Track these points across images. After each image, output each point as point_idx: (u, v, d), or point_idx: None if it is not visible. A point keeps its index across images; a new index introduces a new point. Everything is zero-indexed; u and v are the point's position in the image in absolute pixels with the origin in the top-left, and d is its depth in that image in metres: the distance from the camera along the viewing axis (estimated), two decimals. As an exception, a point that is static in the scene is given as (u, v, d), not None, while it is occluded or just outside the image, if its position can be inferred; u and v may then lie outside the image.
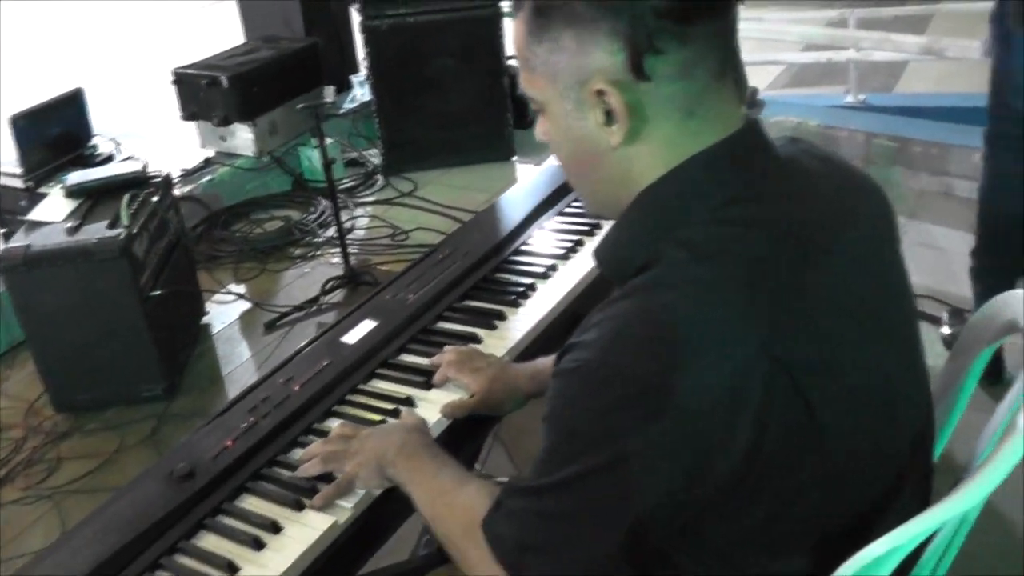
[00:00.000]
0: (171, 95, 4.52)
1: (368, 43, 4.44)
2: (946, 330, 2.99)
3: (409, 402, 1.57)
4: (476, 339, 1.73)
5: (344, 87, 5.26)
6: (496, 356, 1.65)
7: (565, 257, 1.97)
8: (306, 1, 4.99)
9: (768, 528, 1.00)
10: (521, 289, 1.86)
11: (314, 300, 3.39)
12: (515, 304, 1.82)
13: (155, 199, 3.08)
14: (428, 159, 4.54)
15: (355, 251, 3.77)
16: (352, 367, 1.65)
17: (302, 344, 1.74)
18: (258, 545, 1.29)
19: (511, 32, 1.08)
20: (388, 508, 1.39)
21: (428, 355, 1.68)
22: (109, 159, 3.99)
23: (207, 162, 4.52)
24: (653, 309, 0.95)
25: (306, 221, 4.08)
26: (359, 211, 4.23)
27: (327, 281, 3.46)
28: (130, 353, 2.89)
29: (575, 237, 2.03)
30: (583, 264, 1.94)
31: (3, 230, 3.56)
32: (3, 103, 4.17)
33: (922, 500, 1.17)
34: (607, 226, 1.11)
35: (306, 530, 1.32)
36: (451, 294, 1.86)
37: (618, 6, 0.96)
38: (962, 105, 4.59)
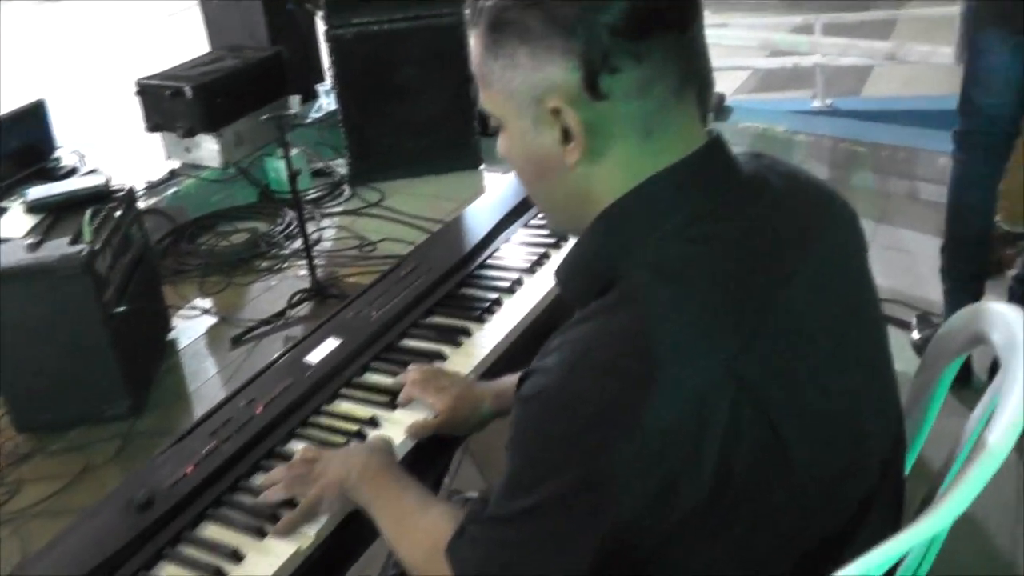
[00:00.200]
0: (135, 106, 4.48)
1: (333, 52, 4.42)
2: (915, 335, 3.00)
3: (374, 423, 1.55)
4: (441, 356, 1.71)
5: (310, 96, 5.23)
6: (461, 374, 1.64)
7: (531, 271, 1.96)
8: (271, 10, 4.96)
9: (741, 550, 0.99)
10: (487, 304, 1.84)
11: (281, 314, 3.35)
12: (480, 320, 1.81)
13: (118, 214, 3.04)
14: (395, 168, 4.52)
15: (322, 263, 3.76)
16: (315, 387, 1.63)
17: (265, 365, 1.71)
18: (219, 575, 1.27)
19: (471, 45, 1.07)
20: (353, 532, 1.37)
21: (393, 374, 1.66)
22: (72, 172, 3.94)
23: (172, 174, 4.49)
24: (614, 332, 0.93)
25: (272, 233, 4.04)
26: (326, 222, 4.20)
27: (294, 294, 3.43)
28: (94, 371, 2.85)
29: (541, 250, 2.02)
30: (549, 278, 1.92)
31: (-38, 247, 3.50)
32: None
33: (895, 516, 1.16)
34: (573, 239, 1.09)
35: (269, 558, 1.29)
36: (416, 310, 1.84)
37: (572, 24, 0.94)
38: (928, 108, 4.62)
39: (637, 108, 0.98)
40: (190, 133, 4.45)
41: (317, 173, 4.62)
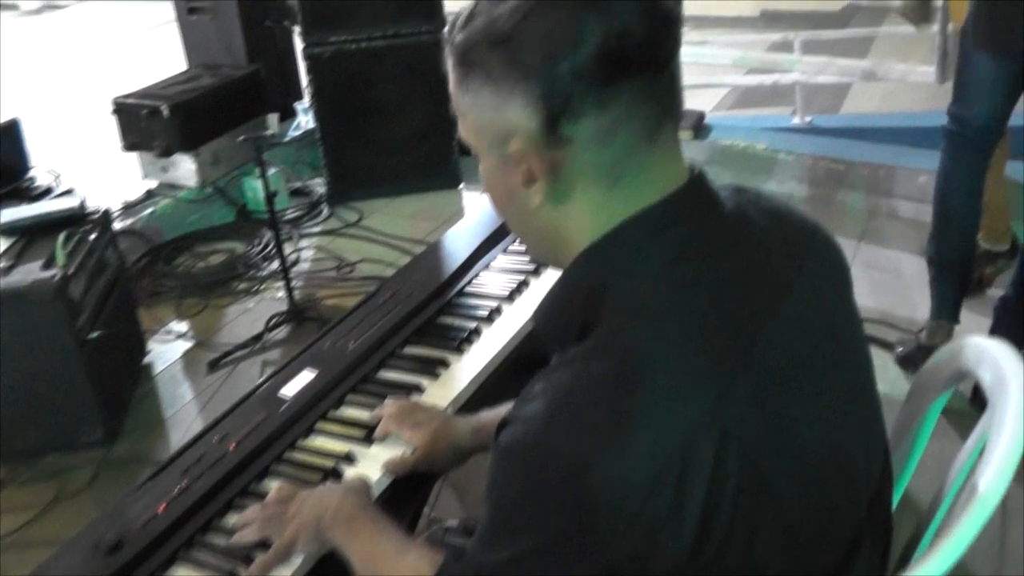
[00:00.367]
0: (112, 124, 4.44)
1: (311, 70, 4.39)
2: (900, 349, 3.00)
3: (349, 458, 1.52)
4: (419, 389, 1.68)
5: (288, 114, 5.20)
6: (439, 408, 1.61)
7: (510, 299, 1.93)
8: (249, 27, 4.92)
9: None
10: (465, 334, 1.81)
11: (258, 337, 3.31)
12: (459, 350, 1.78)
13: (93, 237, 3.00)
14: (374, 187, 4.49)
15: (300, 285, 3.72)
16: (290, 422, 1.60)
17: (239, 399, 1.68)
18: (190, 620, 1.24)
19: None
20: (328, 573, 1.34)
21: (369, 407, 1.63)
22: (47, 192, 3.88)
23: (149, 194, 4.45)
24: (593, 380, 0.91)
25: (250, 254, 4.00)
26: (304, 243, 4.16)
27: (271, 318, 3.39)
28: (67, 398, 2.80)
29: (520, 277, 2.00)
30: (528, 306, 1.90)
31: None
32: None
33: (883, 551, 1.15)
34: (552, 269, 1.07)
35: (241, 602, 1.27)
36: (393, 340, 1.81)
37: (534, 66, 0.92)
38: (907, 125, 4.65)
39: (602, 155, 0.96)
40: (167, 152, 4.42)
41: (295, 192, 4.59)
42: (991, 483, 0.93)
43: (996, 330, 2.81)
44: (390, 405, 1.58)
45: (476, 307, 1.91)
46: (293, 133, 5.05)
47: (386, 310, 1.89)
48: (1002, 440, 0.96)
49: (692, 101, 4.82)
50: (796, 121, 4.98)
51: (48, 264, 2.78)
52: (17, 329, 2.70)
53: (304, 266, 3.95)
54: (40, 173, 4.02)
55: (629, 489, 0.87)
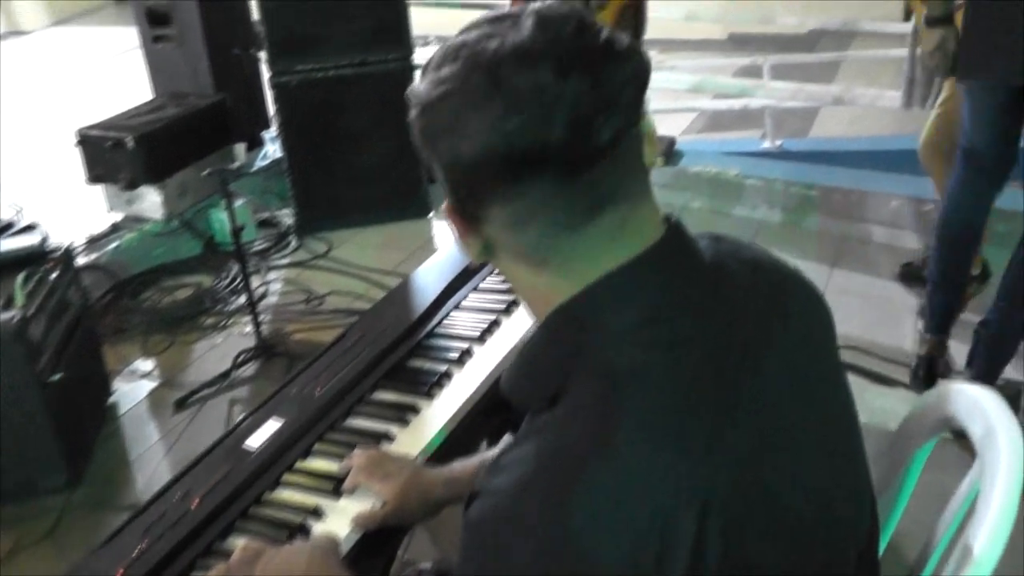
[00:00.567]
0: (77, 156, 4.38)
1: (278, 99, 4.35)
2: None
3: (317, 513, 1.46)
4: (388, 437, 1.63)
5: (255, 143, 5.16)
6: (409, 457, 1.56)
7: (481, 339, 1.89)
8: (215, 55, 4.88)
9: None
10: (435, 378, 1.76)
11: (225, 375, 3.24)
12: (429, 395, 1.73)
13: (54, 276, 2.92)
14: (342, 217, 4.44)
15: (268, 318, 3.66)
16: (256, 475, 1.54)
17: (202, 452, 1.62)
18: None
19: None
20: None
21: (338, 457, 1.57)
22: (8, 227, 3.80)
23: (114, 227, 4.40)
24: (566, 452, 0.86)
25: (217, 288, 3.93)
26: (272, 275, 4.10)
27: (239, 354, 3.32)
28: (28, 443, 2.71)
29: (491, 316, 1.95)
30: (500, 347, 1.86)
31: None
32: None
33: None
34: (525, 312, 1.03)
35: (204, 672, 1.21)
36: (361, 385, 1.76)
37: (438, 147, 0.90)
38: (878, 149, 4.66)
39: (519, 238, 0.92)
40: (132, 185, 4.37)
41: (263, 223, 4.53)
42: (986, 547, 0.89)
43: (976, 353, 2.80)
44: (359, 455, 1.53)
45: (447, 349, 1.87)
46: (261, 163, 5.01)
47: (355, 353, 1.84)
48: (995, 501, 0.93)
49: (662, 126, 4.81)
50: (766, 145, 4.98)
51: (7, 305, 2.70)
52: (-26, 373, 2.63)
53: (272, 299, 3.89)
54: (1, 207, 3.94)
55: (606, 567, 0.82)
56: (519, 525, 0.85)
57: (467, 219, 0.94)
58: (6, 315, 2.65)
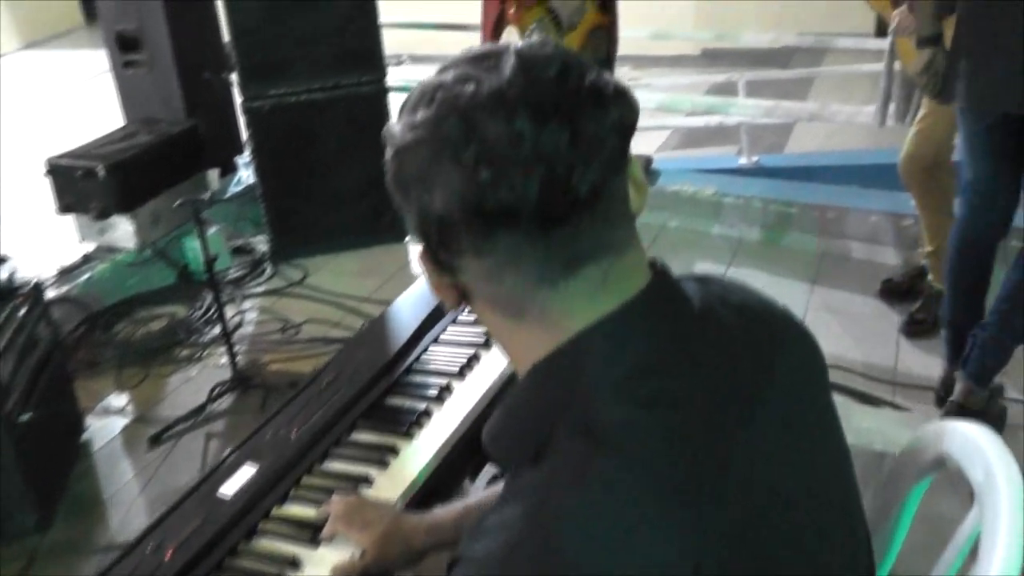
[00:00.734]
0: (46, 187, 4.31)
1: (250, 125, 4.30)
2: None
3: (295, 564, 1.42)
4: (367, 480, 1.59)
5: (229, 169, 5.10)
6: (389, 503, 1.52)
7: (460, 375, 1.85)
8: (186, 79, 4.81)
9: None
10: (414, 416, 1.72)
11: (201, 408, 3.18)
12: (408, 435, 1.69)
13: (22, 313, 2.86)
14: (317, 243, 4.39)
15: (244, 348, 3.61)
16: (230, 524, 1.49)
17: (175, 501, 1.57)
18: None
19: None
20: None
21: (316, 503, 1.53)
22: (-24, 261, 3.74)
23: (86, 258, 4.32)
24: (547, 519, 0.81)
25: (191, 319, 3.87)
26: (247, 304, 4.04)
27: (214, 387, 3.26)
28: (-3, 485, 2.65)
29: (470, 351, 1.91)
30: (480, 382, 1.82)
31: None
32: None
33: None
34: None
35: None
36: (338, 426, 1.72)
37: (409, 195, 0.87)
38: (855, 163, 4.66)
39: (495, 290, 0.89)
40: (104, 214, 4.29)
41: (237, 251, 4.47)
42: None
43: (971, 355, 2.76)
44: (337, 502, 1.48)
45: (425, 386, 1.83)
46: (234, 189, 4.95)
47: (331, 393, 1.80)
48: (999, 553, 0.89)
49: (636, 143, 4.78)
50: (743, 161, 4.97)
51: (-27, 344, 2.65)
52: (-61, 415, 2.56)
53: (248, 329, 3.83)
54: (-30, 240, 3.88)
55: None
56: None
57: (440, 268, 0.91)
58: (-27, 355, 2.59)
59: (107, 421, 3.27)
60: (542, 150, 0.81)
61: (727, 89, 5.62)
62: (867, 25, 6.12)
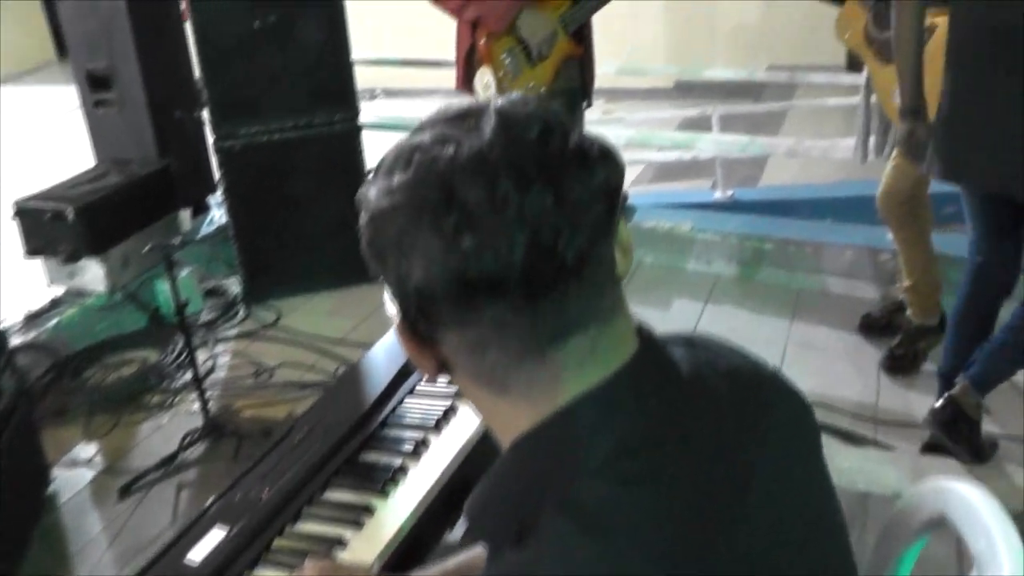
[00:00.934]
0: (13, 230, 4.24)
1: (223, 164, 4.26)
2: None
3: (266, 634, 1.36)
4: (341, 542, 1.54)
5: (201, 209, 5.04)
6: (364, 566, 1.47)
7: (436, 428, 1.80)
8: (158, 118, 4.75)
9: None
10: (389, 474, 1.67)
11: (172, 457, 3.10)
12: (384, 492, 1.64)
13: (-15, 363, 2.80)
14: (291, 284, 4.33)
15: (217, 394, 3.53)
16: (199, 593, 1.44)
17: (140, 568, 1.51)
18: None
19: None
20: None
21: (288, 567, 1.48)
22: (-58, 306, 3.67)
23: (54, 303, 4.23)
24: None
25: (163, 364, 3.80)
26: (220, 347, 3.96)
27: (185, 435, 3.18)
28: (-42, 542, 2.57)
29: (447, 403, 1.86)
30: (457, 435, 1.77)
31: None
32: None
33: None
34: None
35: None
36: (311, 484, 1.66)
37: (385, 263, 0.83)
38: (830, 196, 4.65)
39: (478, 363, 0.85)
40: (73, 257, 4.22)
41: (210, 292, 4.40)
42: None
43: (978, 358, 2.73)
44: (310, 568, 1.42)
45: (401, 440, 1.78)
46: (206, 229, 4.88)
47: (304, 449, 1.75)
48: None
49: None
50: (718, 195, 4.95)
51: (-64, 396, 2.57)
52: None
53: (221, 374, 3.75)
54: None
55: None
56: None
57: (420, 339, 0.86)
58: (-66, 408, 2.51)
59: (75, 472, 3.19)
60: (527, 215, 0.77)
61: (700, 123, 5.62)
62: (838, 58, 6.15)
